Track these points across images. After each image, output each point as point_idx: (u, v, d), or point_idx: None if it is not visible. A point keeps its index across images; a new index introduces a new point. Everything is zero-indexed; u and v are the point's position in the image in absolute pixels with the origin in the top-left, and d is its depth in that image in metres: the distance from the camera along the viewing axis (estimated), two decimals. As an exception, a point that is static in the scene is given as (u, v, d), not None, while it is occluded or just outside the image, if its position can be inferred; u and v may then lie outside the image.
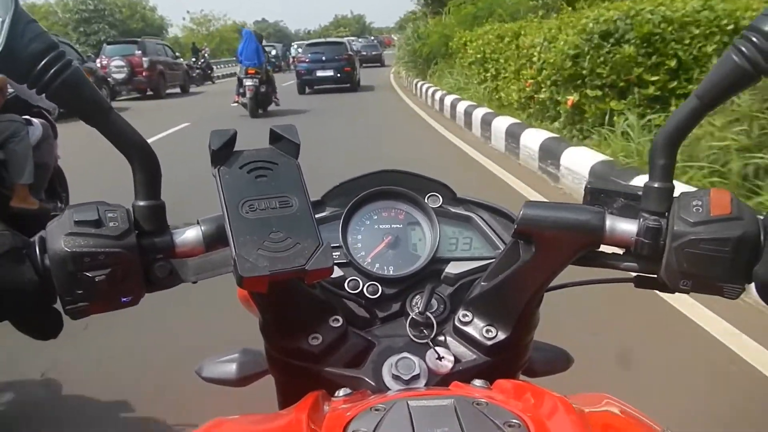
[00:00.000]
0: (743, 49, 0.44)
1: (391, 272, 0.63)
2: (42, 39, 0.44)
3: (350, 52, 17.10)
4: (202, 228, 0.50)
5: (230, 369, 0.76)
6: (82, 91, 0.46)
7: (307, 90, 16.66)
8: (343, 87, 16.46)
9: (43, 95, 0.44)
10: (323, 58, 16.30)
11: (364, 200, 0.66)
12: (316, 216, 0.49)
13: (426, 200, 0.66)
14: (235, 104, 10.97)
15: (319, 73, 16.33)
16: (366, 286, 0.61)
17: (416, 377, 0.53)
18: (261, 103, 10.44)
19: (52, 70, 0.44)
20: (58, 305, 0.47)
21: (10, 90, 3.01)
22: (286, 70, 25.19)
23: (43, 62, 0.43)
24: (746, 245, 0.45)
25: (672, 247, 0.48)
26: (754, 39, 0.44)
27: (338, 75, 16.29)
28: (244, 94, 10.37)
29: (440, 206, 0.67)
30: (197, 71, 22.56)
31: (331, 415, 0.41)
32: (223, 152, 0.48)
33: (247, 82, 10.18)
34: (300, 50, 19.50)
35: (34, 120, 3.29)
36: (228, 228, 0.45)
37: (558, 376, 0.76)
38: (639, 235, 0.50)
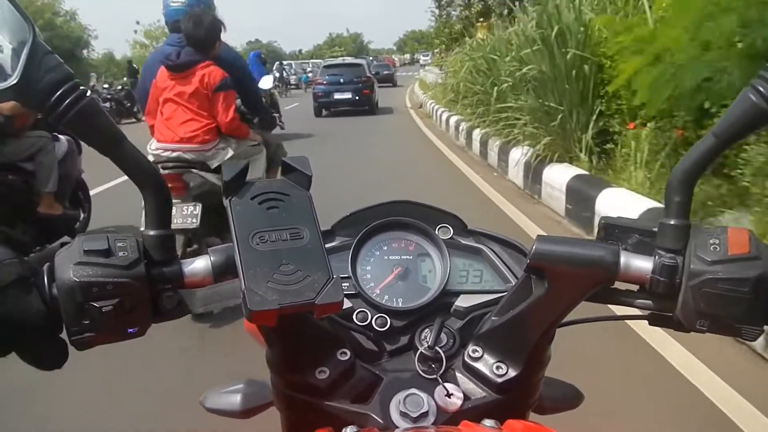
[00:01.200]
0: (761, 89, 0.44)
1: (401, 304, 0.62)
2: (58, 70, 0.44)
3: (369, 74, 16.54)
4: (212, 258, 0.50)
5: (234, 400, 0.74)
6: (97, 122, 0.46)
7: (324, 112, 16.11)
8: (360, 110, 15.75)
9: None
10: (341, 80, 15.75)
11: (374, 231, 0.66)
12: (326, 246, 0.48)
13: (436, 231, 0.66)
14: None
15: (337, 96, 15.70)
16: (375, 318, 0.60)
17: (424, 415, 0.52)
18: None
19: (67, 101, 0.44)
20: (63, 334, 0.47)
21: None
22: (284, 94, 22.58)
23: (58, 93, 0.44)
24: (765, 286, 0.45)
25: (688, 286, 0.47)
26: None
27: (356, 97, 15.68)
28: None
29: (451, 238, 0.66)
30: (110, 102, 14.99)
31: None
32: (235, 183, 0.48)
33: None
34: (310, 71, 19.17)
35: (61, 136, 3.69)
36: (238, 259, 0.44)
37: (567, 413, 0.74)
38: (654, 272, 0.49)
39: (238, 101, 3.05)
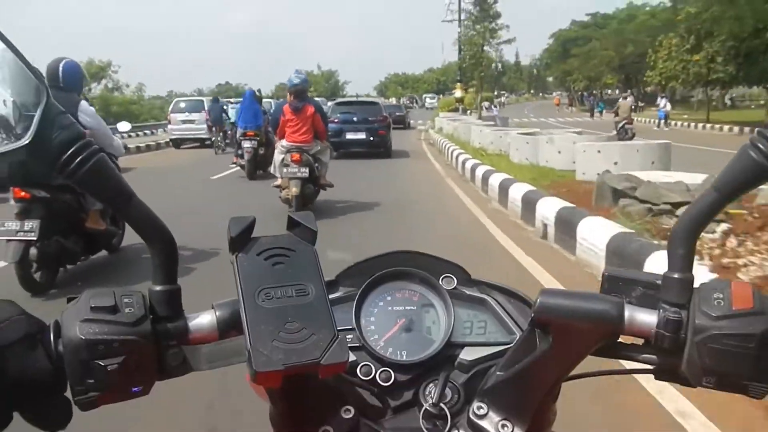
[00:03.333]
0: (760, 146, 0.45)
1: (405, 357, 0.61)
2: (70, 129, 0.45)
3: (385, 114, 15.21)
4: (217, 313, 0.50)
5: None
6: (107, 179, 0.47)
7: (334, 154, 14.03)
8: (373, 152, 14.40)
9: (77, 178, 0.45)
10: (354, 118, 14.44)
11: (379, 281, 0.66)
12: (330, 296, 0.48)
13: (440, 282, 0.66)
14: (234, 165, 11.06)
15: (350, 136, 14.30)
16: (379, 372, 0.60)
17: None
18: (259, 164, 10.25)
19: (78, 159, 0.45)
20: (67, 393, 0.46)
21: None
22: (220, 148, 16.15)
23: (70, 151, 0.44)
24: None
25: (693, 341, 0.47)
26: None
27: (371, 138, 14.34)
28: (242, 156, 10.49)
29: (454, 288, 0.66)
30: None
31: None
32: (242, 239, 0.48)
33: (245, 144, 10.24)
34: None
35: None
36: (244, 318, 0.44)
37: None
38: (659, 327, 0.49)
39: None
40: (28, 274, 3.92)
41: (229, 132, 15.45)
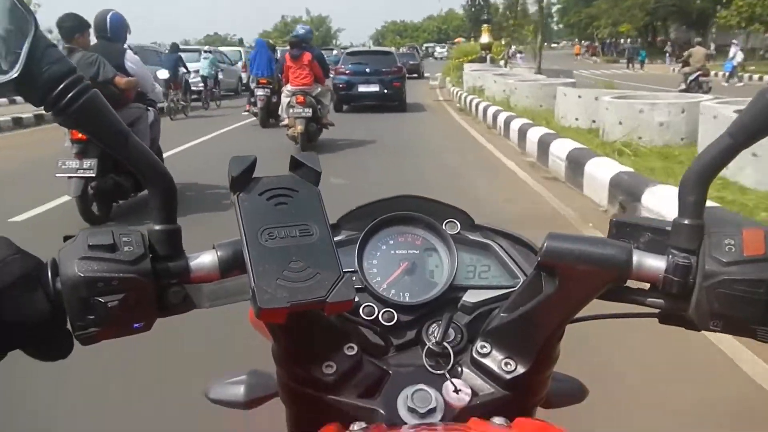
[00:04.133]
0: None
1: (408, 299, 0.61)
2: (61, 63, 0.43)
3: (399, 64, 14.11)
4: (218, 253, 0.50)
5: (238, 391, 0.74)
6: (101, 116, 0.45)
7: (345, 107, 13.63)
8: (387, 106, 13.34)
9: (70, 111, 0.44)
10: (367, 69, 13.41)
11: (381, 225, 0.65)
12: (333, 240, 0.48)
13: (444, 226, 0.65)
14: (246, 113, 10.98)
15: (362, 88, 13.30)
16: (381, 312, 0.60)
17: (432, 410, 0.52)
18: (272, 113, 9.92)
19: (70, 95, 0.43)
20: (68, 325, 0.47)
21: None
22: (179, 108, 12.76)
23: (60, 86, 0.43)
24: None
25: (703, 286, 0.46)
26: None
27: (385, 91, 13.33)
28: (255, 104, 10.42)
29: (458, 233, 0.66)
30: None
31: None
32: (243, 179, 0.47)
33: (259, 92, 10.16)
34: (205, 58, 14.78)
35: (150, 108, 5.02)
36: (247, 256, 0.44)
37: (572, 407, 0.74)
38: (668, 272, 0.48)
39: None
40: (88, 208, 4.44)
41: (202, 86, 14.04)
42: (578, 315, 0.54)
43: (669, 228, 0.50)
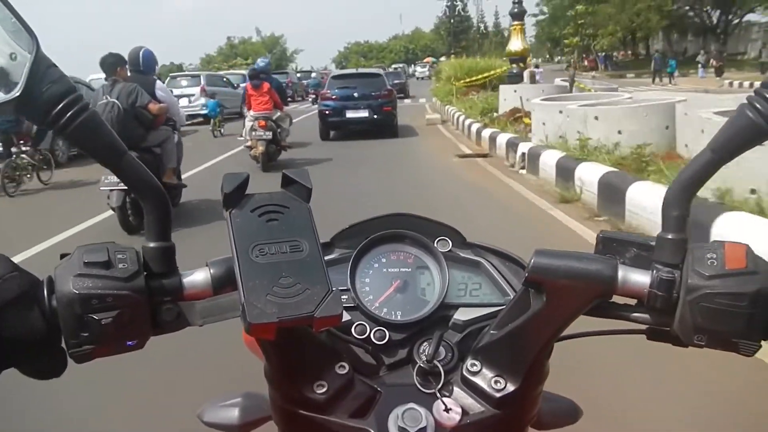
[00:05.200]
0: (757, 105, 0.44)
1: (399, 317, 0.62)
2: (61, 83, 0.44)
3: (389, 87, 13.08)
4: (211, 271, 0.50)
5: (233, 414, 0.74)
6: (98, 134, 0.46)
7: (332, 134, 12.86)
8: (377, 131, 12.36)
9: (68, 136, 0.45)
10: (355, 94, 12.57)
11: (374, 243, 0.66)
12: (325, 258, 0.48)
13: (435, 244, 0.66)
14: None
15: (350, 114, 12.46)
16: (373, 331, 0.60)
17: (423, 430, 0.52)
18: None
19: (69, 113, 0.44)
20: (62, 344, 0.47)
21: None
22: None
23: (60, 105, 0.44)
24: (763, 300, 0.45)
25: (686, 300, 0.47)
26: (767, 95, 0.44)
27: (375, 116, 12.44)
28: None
29: (449, 251, 0.66)
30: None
31: None
32: (235, 195, 0.48)
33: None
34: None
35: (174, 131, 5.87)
36: (237, 272, 0.44)
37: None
38: (652, 287, 0.49)
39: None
40: (126, 218, 5.19)
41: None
42: (566, 333, 0.54)
43: (653, 243, 0.51)
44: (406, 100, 25.73)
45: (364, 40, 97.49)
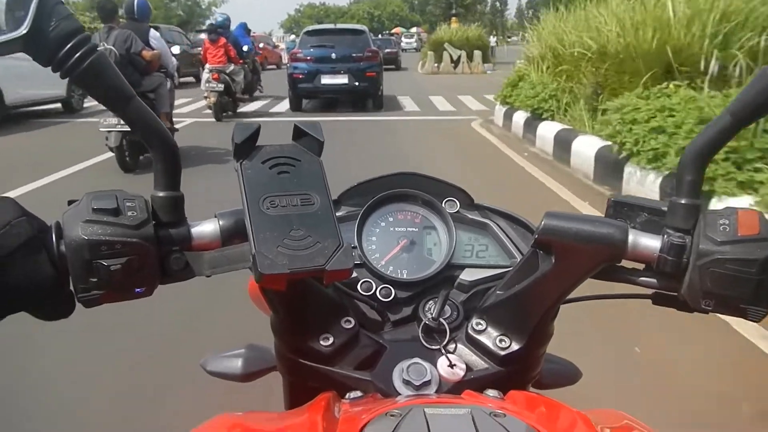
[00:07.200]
0: None
1: (405, 276, 0.62)
2: (69, 22, 0.43)
3: (373, 47, 10.64)
4: (220, 222, 0.50)
5: (236, 364, 0.75)
6: (106, 77, 0.45)
7: (305, 104, 10.62)
8: (358, 103, 10.42)
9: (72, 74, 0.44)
10: (332, 55, 10.14)
11: (381, 202, 0.65)
12: None
13: (443, 205, 0.66)
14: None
15: (326, 80, 10.07)
16: (379, 288, 0.61)
17: (427, 383, 0.52)
18: (247, 89, 10.37)
19: (77, 54, 0.43)
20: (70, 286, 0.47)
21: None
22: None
23: (68, 46, 0.43)
24: None
25: (696, 265, 0.47)
26: None
27: (356, 83, 10.07)
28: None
29: (457, 212, 0.66)
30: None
31: (344, 418, 0.41)
32: (246, 146, 0.48)
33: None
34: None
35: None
36: (248, 223, 0.44)
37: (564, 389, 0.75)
38: (662, 251, 0.49)
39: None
40: (123, 157, 5.51)
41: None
42: (573, 295, 0.55)
43: (665, 208, 0.50)
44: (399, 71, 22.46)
45: (319, 2, 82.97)
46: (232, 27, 10.25)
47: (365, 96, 10.50)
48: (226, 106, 9.32)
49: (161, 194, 0.49)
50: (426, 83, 16.35)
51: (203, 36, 14.34)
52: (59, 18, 0.42)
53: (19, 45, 0.41)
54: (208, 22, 9.71)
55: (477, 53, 20.68)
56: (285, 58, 21.96)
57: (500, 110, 8.47)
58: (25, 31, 0.41)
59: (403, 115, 9.90)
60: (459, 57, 20.50)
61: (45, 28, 0.42)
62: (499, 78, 10.07)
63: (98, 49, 0.44)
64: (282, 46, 23.33)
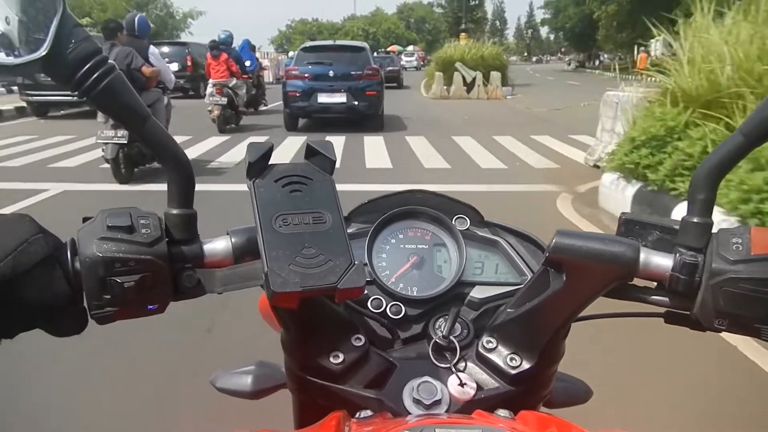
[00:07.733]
0: None
1: (415, 293, 0.62)
2: (87, 43, 0.44)
3: (374, 65, 10.26)
4: (233, 240, 0.50)
5: (245, 381, 0.75)
6: (122, 97, 0.46)
7: (300, 124, 10.15)
8: (357, 123, 9.75)
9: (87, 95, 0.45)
10: (330, 72, 9.77)
11: (391, 219, 0.66)
12: None
13: (453, 222, 0.66)
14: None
15: (323, 98, 9.64)
16: (389, 305, 0.61)
17: (437, 402, 0.52)
18: (251, 103, 11.40)
19: (95, 76, 0.44)
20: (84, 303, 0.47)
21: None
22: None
23: (86, 67, 0.44)
24: None
25: (709, 284, 0.47)
26: None
27: (355, 102, 9.67)
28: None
29: (467, 229, 0.66)
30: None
31: None
32: (259, 165, 0.48)
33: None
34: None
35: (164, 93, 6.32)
36: (260, 241, 0.45)
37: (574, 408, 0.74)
38: (674, 270, 0.49)
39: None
40: (118, 169, 5.76)
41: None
42: (584, 313, 0.54)
43: (677, 226, 0.50)
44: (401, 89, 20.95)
45: (312, 18, 78.83)
46: (236, 44, 11.00)
47: (366, 115, 9.88)
48: (229, 118, 9.77)
49: (175, 212, 0.49)
50: (439, 112, 13.06)
51: (166, 49, 15.40)
52: (78, 40, 0.43)
53: (38, 66, 0.42)
54: (210, 39, 10.19)
55: (495, 74, 17.39)
56: (269, 76, 21.91)
57: (622, 187, 4.59)
58: (44, 53, 0.42)
59: (426, 176, 6.20)
60: (474, 79, 17.34)
61: (64, 49, 0.43)
62: (519, 105, 6.89)
63: (116, 70, 0.45)
64: (267, 63, 22.83)
